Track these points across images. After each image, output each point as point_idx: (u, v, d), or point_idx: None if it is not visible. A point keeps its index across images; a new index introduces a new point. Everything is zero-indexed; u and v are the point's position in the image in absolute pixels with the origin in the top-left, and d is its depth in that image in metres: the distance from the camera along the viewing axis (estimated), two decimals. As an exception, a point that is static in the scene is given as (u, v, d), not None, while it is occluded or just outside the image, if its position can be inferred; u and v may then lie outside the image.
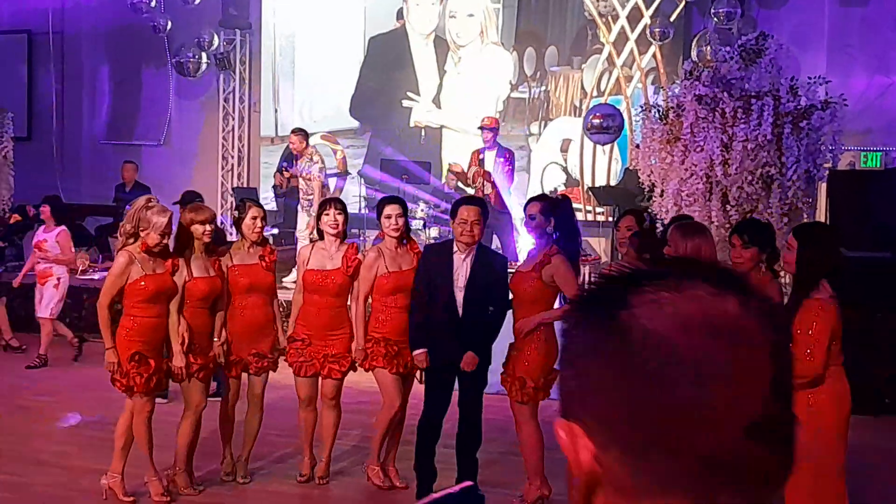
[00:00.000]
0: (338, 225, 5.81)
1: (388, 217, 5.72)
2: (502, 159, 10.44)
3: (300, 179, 10.60)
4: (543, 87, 13.53)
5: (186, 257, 5.62)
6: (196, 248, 5.66)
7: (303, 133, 10.83)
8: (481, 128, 10.70)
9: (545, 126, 13.55)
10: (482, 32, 13.81)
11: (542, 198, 5.82)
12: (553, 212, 5.54)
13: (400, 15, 14.13)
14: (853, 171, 10.60)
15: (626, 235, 5.52)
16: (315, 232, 6.12)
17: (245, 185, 14.13)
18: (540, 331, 5.45)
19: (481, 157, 10.61)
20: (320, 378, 5.89)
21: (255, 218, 5.80)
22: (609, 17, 12.90)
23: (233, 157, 14.46)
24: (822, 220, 9.61)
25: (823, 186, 9.26)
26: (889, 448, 6.74)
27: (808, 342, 4.22)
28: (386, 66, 14.06)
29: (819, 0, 11.95)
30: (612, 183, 12.10)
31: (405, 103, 14.00)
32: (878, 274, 8.32)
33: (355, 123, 14.17)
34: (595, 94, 12.87)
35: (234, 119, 14.42)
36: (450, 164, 11.78)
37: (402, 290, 5.68)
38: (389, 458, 5.95)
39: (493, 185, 10.32)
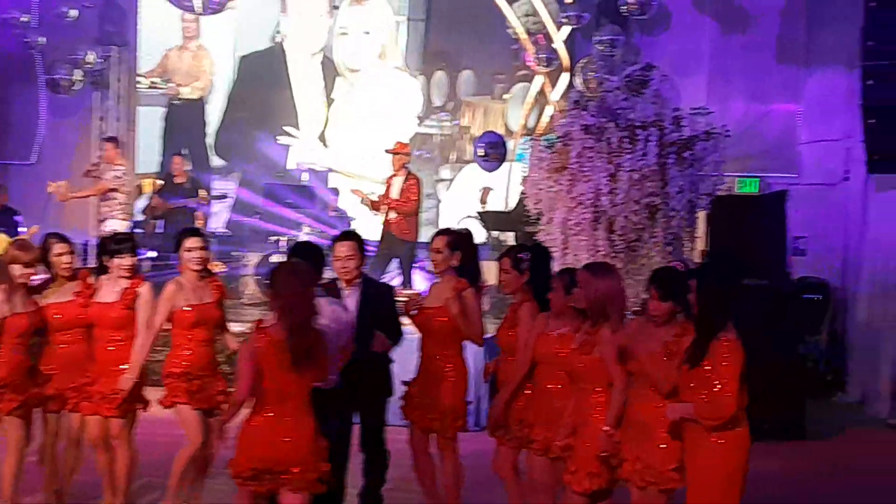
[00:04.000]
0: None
1: (190, 250, 5.58)
2: (408, 185, 10.23)
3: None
4: (457, 122, 12.22)
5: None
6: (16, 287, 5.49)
7: (115, 140, 10.76)
8: (388, 152, 10.44)
9: (459, 170, 12.26)
10: (381, 53, 12.54)
11: (447, 231, 5.79)
12: (459, 245, 5.52)
13: (277, 30, 12.82)
14: (732, 197, 10.79)
15: (505, 277, 5.50)
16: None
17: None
18: (451, 365, 5.46)
19: (389, 183, 10.37)
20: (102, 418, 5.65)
21: (60, 254, 5.62)
22: (539, 38, 11.90)
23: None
24: (703, 248, 9.77)
25: (702, 214, 9.41)
26: (769, 472, 6.81)
27: (721, 384, 4.30)
28: (259, 93, 12.70)
29: (700, 27, 12.21)
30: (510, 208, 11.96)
31: (282, 140, 12.67)
32: (757, 301, 8.46)
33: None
34: (523, 131, 11.42)
35: (109, 139, 13.87)
36: (334, 188, 11.58)
37: (203, 324, 5.56)
38: (193, 499, 5.74)
39: (400, 213, 10.13)
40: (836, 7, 11.23)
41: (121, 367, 5.53)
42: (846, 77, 10.95)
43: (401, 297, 6.84)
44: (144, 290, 5.61)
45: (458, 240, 5.61)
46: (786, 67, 12.00)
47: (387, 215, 10.20)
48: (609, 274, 4.96)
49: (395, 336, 5.55)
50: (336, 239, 5.59)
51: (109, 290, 5.60)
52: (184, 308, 5.52)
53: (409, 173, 10.33)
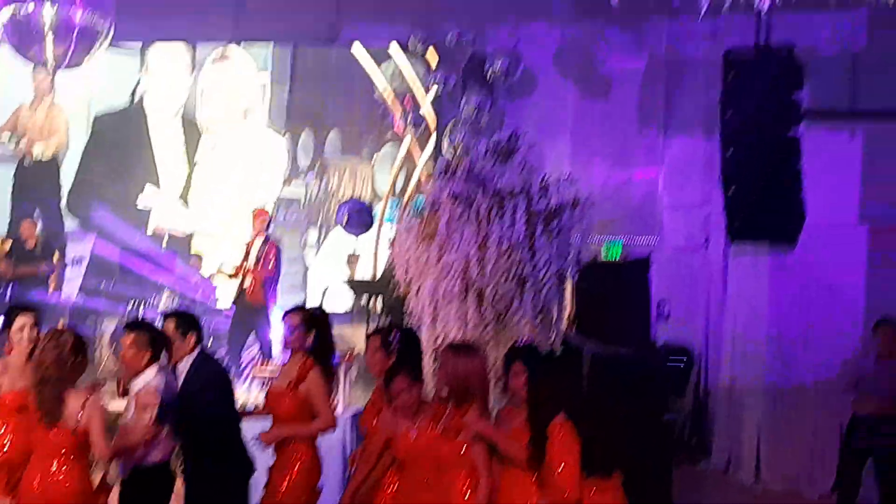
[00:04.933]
0: None
1: (21, 329, 5.27)
2: (266, 251, 10.01)
3: None
4: (324, 184, 11.95)
5: None
6: None
7: None
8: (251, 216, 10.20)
9: (326, 235, 12.05)
10: (245, 113, 12.23)
11: (302, 309, 5.54)
12: (314, 324, 5.31)
13: (137, 88, 12.45)
14: (597, 264, 10.87)
15: (373, 358, 5.33)
16: None
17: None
18: (303, 450, 5.16)
19: (248, 249, 10.11)
20: None
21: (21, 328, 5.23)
22: (406, 100, 11.83)
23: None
24: (568, 314, 9.78)
25: (569, 282, 9.42)
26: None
27: (561, 467, 4.33)
28: (116, 154, 12.21)
29: (562, 92, 12.37)
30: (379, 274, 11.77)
31: (141, 202, 12.22)
32: (622, 367, 8.49)
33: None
34: (391, 194, 11.32)
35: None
36: (197, 254, 11.24)
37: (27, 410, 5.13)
38: None
39: (258, 281, 9.88)
40: (695, 75, 11.56)
41: None
42: (705, 144, 11.24)
43: (262, 374, 6.59)
44: None
45: (313, 318, 5.40)
46: (647, 133, 12.25)
47: (242, 282, 9.93)
48: (471, 353, 4.85)
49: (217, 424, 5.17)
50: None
51: None
52: (7, 392, 5.16)
53: (266, 238, 10.13)
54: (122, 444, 4.92)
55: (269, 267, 9.96)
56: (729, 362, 10.30)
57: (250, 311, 9.98)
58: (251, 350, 10.04)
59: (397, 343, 5.36)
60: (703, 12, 7.80)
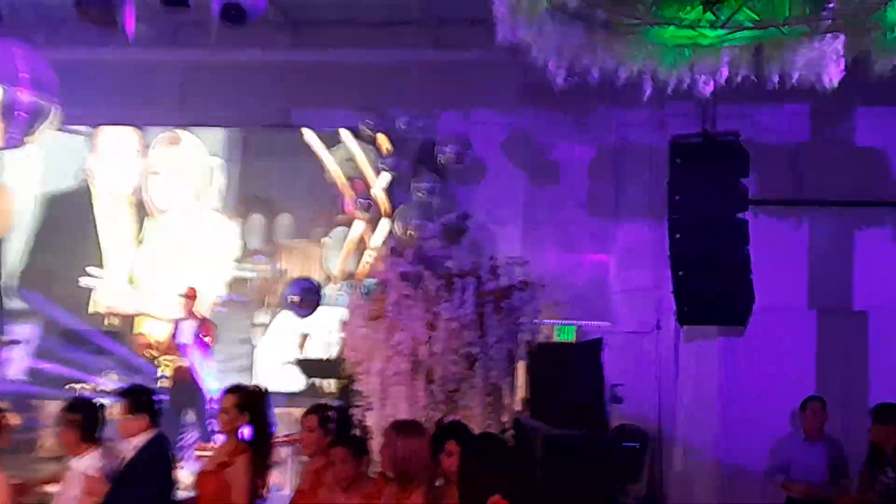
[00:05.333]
0: None
1: None
2: (199, 332, 9.94)
3: None
4: (275, 265, 11.78)
5: None
6: None
7: None
8: (181, 296, 10.16)
9: (274, 315, 11.79)
10: (196, 195, 12.19)
11: (239, 388, 5.35)
12: (248, 406, 5.12)
13: (84, 168, 12.36)
14: (550, 345, 10.81)
15: (309, 437, 5.17)
16: None
17: None
18: None
19: (178, 328, 10.05)
20: None
21: None
22: (358, 184, 11.83)
23: None
24: (523, 396, 9.69)
25: (522, 363, 9.35)
26: None
27: None
28: (63, 233, 12.09)
29: (512, 178, 12.46)
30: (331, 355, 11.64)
31: (84, 281, 12.02)
32: (575, 452, 8.36)
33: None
34: (341, 276, 11.36)
35: None
36: (139, 333, 11.06)
37: None
38: None
39: (189, 360, 9.77)
40: (642, 161, 11.72)
41: None
42: (654, 229, 11.32)
43: (203, 453, 6.39)
44: None
45: (248, 399, 5.21)
46: (596, 219, 12.34)
47: (173, 363, 9.82)
48: (416, 432, 4.74)
49: None
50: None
51: None
52: None
53: (201, 317, 10.07)
54: None
55: (203, 345, 9.89)
56: (682, 445, 10.23)
57: (187, 391, 9.83)
58: (191, 430, 9.86)
59: (335, 421, 5.22)
60: (646, 98, 7.88)
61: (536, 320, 8.36)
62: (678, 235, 9.19)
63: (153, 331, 10.93)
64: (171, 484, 5.22)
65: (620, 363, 10.83)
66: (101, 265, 12.23)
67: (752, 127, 10.43)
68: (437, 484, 4.66)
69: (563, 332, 11.68)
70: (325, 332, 11.49)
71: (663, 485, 10.57)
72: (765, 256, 9.41)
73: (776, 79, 7.60)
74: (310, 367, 10.88)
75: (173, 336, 10.02)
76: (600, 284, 12.11)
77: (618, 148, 12.18)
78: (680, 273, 9.08)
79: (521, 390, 9.50)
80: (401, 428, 4.82)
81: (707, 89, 7.90)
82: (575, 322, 11.74)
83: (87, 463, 4.99)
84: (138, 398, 5.11)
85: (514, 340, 8.18)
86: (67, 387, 10.84)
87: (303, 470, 5.27)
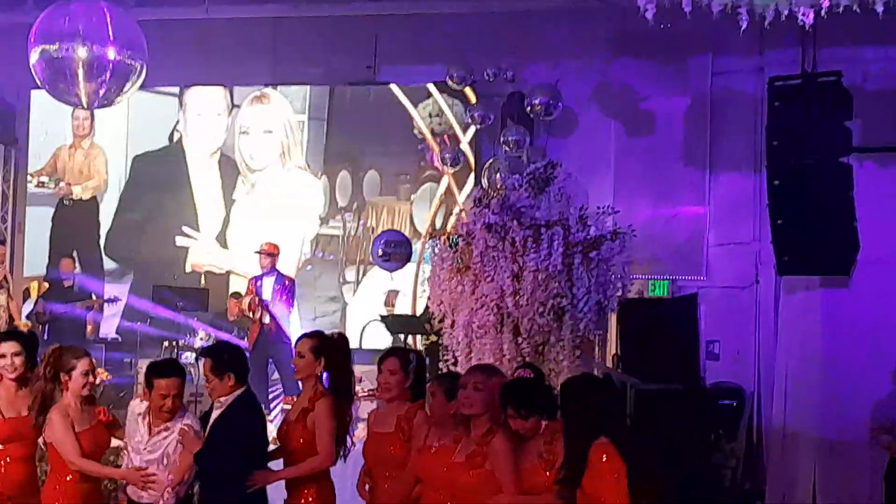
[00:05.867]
0: None
1: (4, 356, 5.11)
2: (280, 287, 9.95)
3: None
4: (362, 222, 11.70)
5: None
6: None
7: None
8: (258, 252, 10.15)
9: (364, 272, 11.70)
10: (283, 153, 12.15)
11: (315, 334, 5.21)
12: (325, 352, 4.99)
13: (175, 128, 12.44)
14: (642, 300, 10.56)
15: (390, 380, 4.99)
16: None
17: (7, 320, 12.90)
18: (313, 489, 4.86)
19: (259, 284, 10.07)
20: None
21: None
22: (445, 138, 11.60)
23: (-5, 284, 13.20)
24: (613, 351, 9.45)
25: (613, 316, 9.12)
26: None
27: (611, 493, 4.00)
28: (154, 193, 12.24)
29: (605, 130, 12.15)
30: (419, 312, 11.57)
31: (179, 241, 12.15)
32: (669, 408, 8.11)
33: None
34: (430, 233, 11.07)
35: (-6, 240, 13.19)
36: (234, 293, 11.14)
37: (20, 439, 5.05)
38: None
39: (271, 315, 9.77)
40: (739, 108, 11.29)
41: None
42: (752, 179, 10.94)
43: (289, 406, 6.32)
44: None
45: (325, 344, 5.05)
46: (691, 170, 11.96)
47: (260, 318, 9.81)
48: (499, 374, 4.58)
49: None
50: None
51: None
52: None
53: (279, 274, 10.02)
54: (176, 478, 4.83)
55: (285, 300, 9.90)
56: (782, 403, 9.83)
57: (272, 346, 9.86)
58: (277, 386, 9.91)
59: (415, 365, 5.06)
60: (742, 30, 7.46)
61: (627, 272, 8.10)
62: (777, 182, 8.78)
63: (243, 289, 10.97)
64: (263, 439, 5.14)
65: (716, 319, 10.56)
66: (194, 224, 12.30)
67: (855, 70, 9.91)
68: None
69: (656, 288, 11.40)
70: (412, 289, 11.41)
71: (762, 443, 10.23)
72: (869, 206, 8.94)
73: (881, 7, 7.11)
74: (396, 323, 10.80)
75: (258, 293, 10.03)
76: (695, 238, 11.74)
77: (714, 96, 11.74)
78: (779, 221, 8.69)
79: (611, 345, 9.28)
80: (485, 369, 4.66)
81: (807, 20, 7.43)
82: (668, 277, 11.44)
83: (188, 420, 4.99)
84: (221, 357, 4.99)
85: (604, 293, 7.92)
86: (165, 345, 11.00)
87: (378, 413, 5.10)
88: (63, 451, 4.98)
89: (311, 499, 4.89)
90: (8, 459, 4.99)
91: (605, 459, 4.03)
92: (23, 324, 10.48)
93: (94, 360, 5.21)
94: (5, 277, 10.56)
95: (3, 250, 10.49)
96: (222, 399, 4.91)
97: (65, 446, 4.95)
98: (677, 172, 11.91)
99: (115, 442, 5.36)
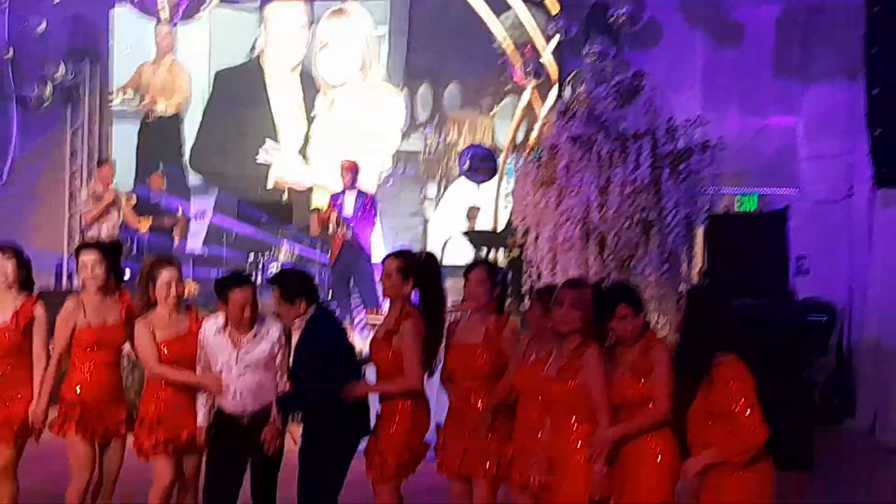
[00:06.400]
0: (5, 275, 5.16)
1: (85, 266, 5.14)
2: (361, 203, 9.91)
3: None
4: (443, 137, 11.56)
5: None
6: None
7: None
8: (339, 169, 10.12)
9: (445, 188, 11.64)
10: (363, 67, 12.02)
11: (403, 253, 5.13)
12: (413, 272, 4.92)
13: (254, 44, 12.34)
14: (731, 215, 10.34)
15: (478, 289, 4.91)
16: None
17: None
18: (407, 402, 4.85)
19: (340, 200, 10.05)
20: None
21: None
22: (526, 50, 11.32)
23: (81, 196, 13.47)
24: (700, 266, 9.27)
25: (700, 232, 8.94)
26: None
27: (742, 409, 3.90)
28: (236, 109, 12.17)
29: (692, 40, 11.82)
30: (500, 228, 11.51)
31: (261, 157, 12.15)
32: (759, 323, 7.97)
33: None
34: (512, 147, 10.89)
35: (82, 156, 13.42)
36: (315, 208, 11.19)
37: (104, 345, 5.12)
38: None
39: (353, 230, 9.77)
40: (834, 16, 10.84)
41: (10, 394, 5.10)
42: (847, 88, 10.52)
43: (373, 318, 6.32)
44: (39, 311, 5.16)
45: (411, 263, 4.98)
46: (782, 81, 11.60)
47: (342, 234, 9.80)
48: (588, 288, 4.49)
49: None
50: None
51: None
52: (83, 327, 5.07)
53: (360, 190, 9.95)
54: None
55: (367, 216, 9.87)
56: (875, 319, 9.59)
57: (354, 261, 9.87)
58: (359, 300, 9.95)
59: (503, 276, 4.98)
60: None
61: (717, 185, 7.89)
62: (876, 91, 8.42)
63: (324, 204, 10.99)
64: (348, 346, 5.14)
65: (807, 233, 10.28)
66: (275, 139, 12.30)
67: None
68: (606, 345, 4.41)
69: (745, 202, 11.16)
70: (493, 204, 11.32)
71: (853, 359, 10.02)
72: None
73: None
74: (479, 238, 10.75)
75: (339, 208, 10.01)
76: (786, 150, 11.42)
77: (807, 5, 11.28)
78: (878, 131, 8.35)
79: (698, 259, 9.09)
80: (579, 284, 4.57)
81: None
82: (758, 190, 11.17)
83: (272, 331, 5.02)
84: (290, 283, 4.97)
85: (694, 206, 7.73)
86: (250, 259, 11.10)
87: (463, 324, 5.03)
88: (142, 358, 5.10)
89: (398, 417, 4.89)
90: (93, 366, 5.08)
91: (734, 378, 3.94)
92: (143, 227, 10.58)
93: (179, 271, 5.23)
94: (116, 196, 10.64)
95: (109, 169, 10.57)
96: (297, 322, 4.92)
97: (143, 352, 5.07)
98: (767, 83, 11.59)
99: None
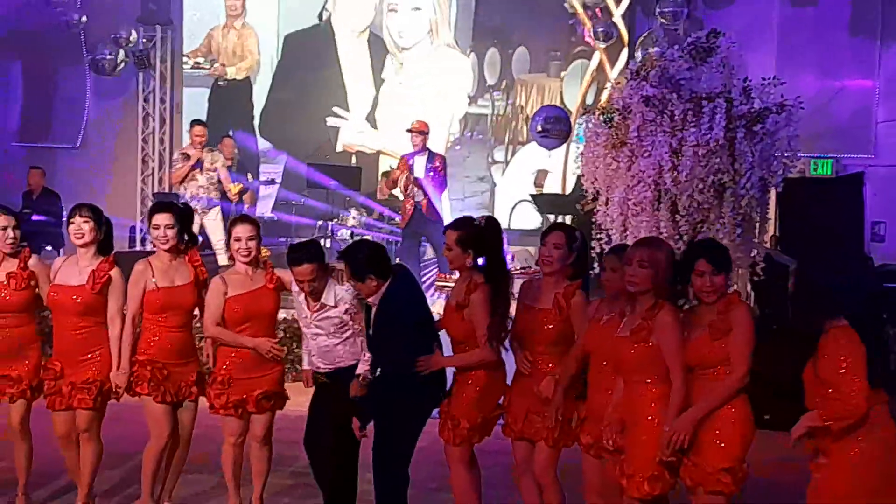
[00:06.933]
0: (82, 234, 5.16)
1: (157, 227, 5.13)
2: (432, 165, 9.83)
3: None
4: (511, 101, 11.41)
5: None
6: None
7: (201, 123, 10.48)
8: (409, 131, 10.05)
9: (513, 152, 11.52)
10: (431, 30, 11.88)
11: (461, 224, 5.03)
12: (474, 243, 4.86)
13: (324, 7, 12.27)
14: (805, 179, 10.14)
15: (553, 253, 4.84)
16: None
17: (167, 191, 13.33)
18: (479, 372, 4.84)
19: (410, 162, 9.98)
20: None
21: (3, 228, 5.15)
22: (597, 11, 11.07)
23: (153, 160, 13.65)
24: (773, 231, 9.12)
25: (773, 195, 8.77)
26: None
27: (845, 377, 3.82)
28: (305, 73, 12.11)
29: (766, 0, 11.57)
30: (568, 191, 11.42)
31: (330, 121, 12.10)
32: (834, 291, 7.80)
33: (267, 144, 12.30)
34: (581, 110, 10.64)
35: (154, 120, 13.60)
36: (386, 171, 11.17)
37: (174, 308, 5.11)
38: (166, 493, 5.36)
39: (424, 193, 9.70)
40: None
41: (88, 355, 5.13)
42: (928, 49, 10.25)
43: (444, 283, 6.29)
44: (115, 273, 5.15)
45: (470, 234, 4.91)
46: (860, 41, 11.33)
47: (413, 196, 9.75)
48: (665, 246, 4.41)
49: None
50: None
51: (72, 273, 5.14)
52: (152, 289, 5.09)
53: (431, 152, 9.90)
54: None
55: (437, 178, 9.79)
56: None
57: (424, 224, 9.82)
58: (431, 263, 9.93)
59: (580, 244, 4.91)
60: None
61: (793, 148, 7.71)
62: (960, 51, 8.16)
63: (394, 168, 10.99)
64: (428, 313, 5.13)
65: (884, 199, 10.08)
66: (344, 104, 12.31)
67: None
68: (681, 304, 4.34)
69: (819, 167, 10.93)
70: (562, 168, 11.23)
71: (931, 329, 9.81)
72: None
73: None
74: (546, 202, 10.66)
75: (409, 171, 9.95)
76: (863, 114, 11.16)
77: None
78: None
79: (772, 224, 8.93)
80: (650, 243, 4.49)
81: None
82: (833, 155, 10.93)
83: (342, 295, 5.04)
84: (357, 260, 4.89)
85: (768, 169, 7.57)
86: (319, 223, 11.12)
87: (534, 287, 4.98)
88: (204, 316, 5.16)
89: (471, 382, 4.87)
90: (162, 328, 5.12)
91: (842, 345, 3.85)
92: (234, 191, 10.63)
93: (256, 228, 5.25)
94: (201, 157, 10.61)
95: (203, 130, 10.55)
96: (372, 298, 4.90)
97: (207, 311, 5.12)
98: (844, 44, 11.33)
99: None
